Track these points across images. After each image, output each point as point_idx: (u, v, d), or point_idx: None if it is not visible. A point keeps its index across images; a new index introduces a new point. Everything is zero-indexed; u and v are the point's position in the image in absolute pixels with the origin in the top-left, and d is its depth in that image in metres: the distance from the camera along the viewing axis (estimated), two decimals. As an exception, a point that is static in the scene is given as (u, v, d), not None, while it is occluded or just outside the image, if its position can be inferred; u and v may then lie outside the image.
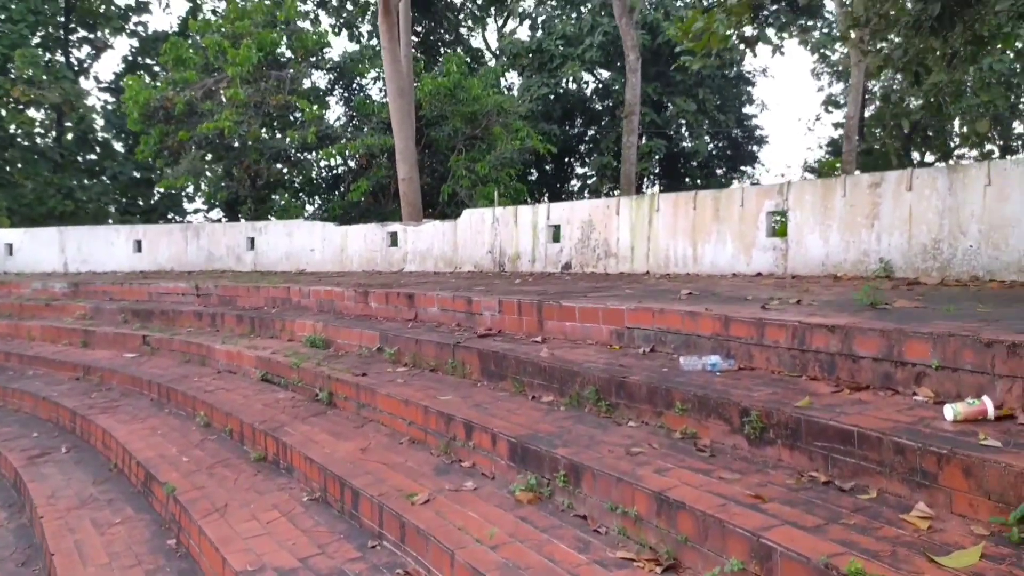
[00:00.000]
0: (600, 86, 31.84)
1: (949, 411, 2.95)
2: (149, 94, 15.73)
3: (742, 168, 36.98)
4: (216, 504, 4.34)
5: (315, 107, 15.04)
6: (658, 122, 29.65)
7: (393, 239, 13.87)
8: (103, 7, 29.31)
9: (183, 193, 18.48)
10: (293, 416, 5.57)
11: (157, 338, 9.02)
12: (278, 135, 15.49)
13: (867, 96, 25.09)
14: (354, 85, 17.86)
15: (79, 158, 30.42)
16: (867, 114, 30.81)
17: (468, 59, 28.89)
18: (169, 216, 30.71)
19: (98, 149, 30.97)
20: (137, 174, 28.92)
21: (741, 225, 9.02)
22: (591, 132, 32.73)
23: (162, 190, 18.64)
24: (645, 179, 34.72)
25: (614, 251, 10.61)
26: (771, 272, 8.71)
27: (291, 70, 15.68)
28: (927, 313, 4.18)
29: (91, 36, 30.00)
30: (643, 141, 29.19)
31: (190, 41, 17.45)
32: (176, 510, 4.49)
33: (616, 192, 34.61)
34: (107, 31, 29.17)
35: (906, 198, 7.41)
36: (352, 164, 15.64)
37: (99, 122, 30.09)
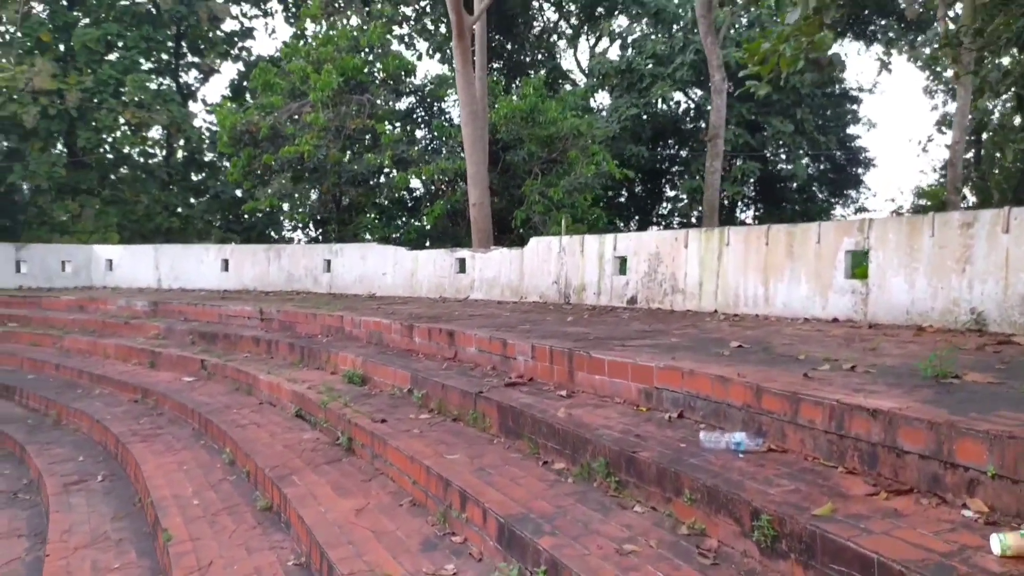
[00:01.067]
0: (692, 106, 30.95)
1: (996, 542, 2.37)
2: (236, 119, 16.30)
3: (846, 192, 35.14)
4: (202, 561, 4.15)
5: (393, 130, 15.12)
6: (752, 144, 28.49)
7: (461, 265, 13.71)
8: (211, 34, 30.86)
9: (280, 213, 19.01)
10: (308, 462, 5.36)
11: (214, 363, 9.11)
12: (357, 158, 15.68)
13: (984, 119, 23.17)
14: (435, 108, 17.93)
15: (187, 178, 32.10)
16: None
17: (552, 80, 28.74)
18: (268, 233, 31.85)
19: (205, 170, 32.56)
20: (239, 193, 30.26)
21: (817, 264, 8.30)
22: (683, 154, 31.87)
23: (248, 212, 19.24)
24: (739, 203, 33.49)
25: (681, 287, 10.03)
26: (849, 318, 7.95)
27: (370, 94, 15.87)
28: (1000, 395, 3.53)
29: (198, 61, 31.61)
30: (736, 163, 28.14)
31: (278, 67, 17.97)
32: (166, 563, 4.33)
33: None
34: (212, 56, 30.64)
35: (1002, 241, 6.57)
36: (433, 188, 15.62)
37: (206, 143, 31.63)
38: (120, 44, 28.21)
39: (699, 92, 29.72)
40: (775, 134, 28.33)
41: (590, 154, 15.32)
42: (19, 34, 26.98)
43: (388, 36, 17.26)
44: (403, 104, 16.79)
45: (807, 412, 3.56)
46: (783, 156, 30.93)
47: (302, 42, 18.88)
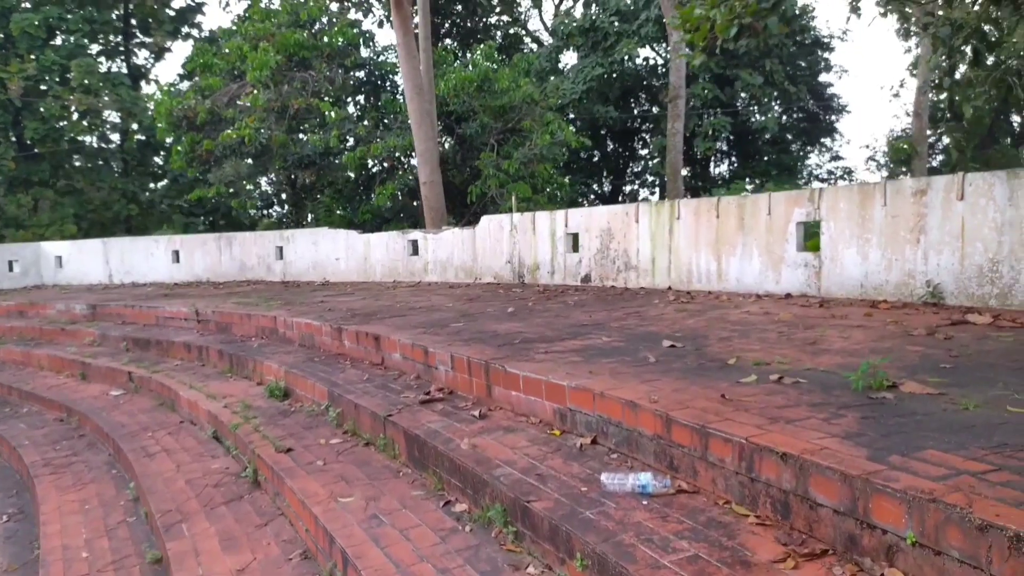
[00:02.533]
0: (660, 63, 30.17)
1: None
2: (172, 103, 15.50)
3: (821, 141, 34.61)
4: (63, 641, 3.71)
5: (343, 108, 14.41)
6: (722, 98, 27.82)
7: (414, 247, 13.19)
8: (158, 11, 29.62)
9: (231, 199, 18.22)
10: (206, 502, 4.90)
11: (140, 376, 8.60)
12: (301, 140, 14.97)
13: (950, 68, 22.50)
14: (386, 82, 17.15)
15: (144, 163, 31.07)
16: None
17: (509, 44, 27.76)
18: (232, 214, 31.05)
19: (161, 152, 31.56)
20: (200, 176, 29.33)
21: (768, 237, 7.85)
22: (655, 111, 31.16)
23: (196, 200, 18.53)
24: (712, 159, 32.91)
25: (634, 263, 9.57)
26: (803, 293, 7.53)
27: (313, 71, 15.10)
28: (934, 416, 3.10)
29: (148, 41, 30.42)
30: (707, 119, 27.49)
31: (216, 47, 17.09)
32: (30, 640, 3.89)
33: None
34: (161, 35, 29.47)
35: (957, 209, 6.13)
36: (385, 166, 14.97)
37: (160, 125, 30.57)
38: (63, 28, 27.02)
39: (667, 47, 28.93)
40: (745, 86, 27.68)
41: (545, 123, 14.68)
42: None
43: (332, 6, 16.42)
44: (353, 80, 16.00)
45: (717, 449, 3.12)
46: (754, 109, 30.29)
47: (245, 18, 17.97)
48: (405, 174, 14.62)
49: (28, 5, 27.05)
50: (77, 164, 29.15)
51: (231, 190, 16.37)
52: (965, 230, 6.07)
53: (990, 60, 7.15)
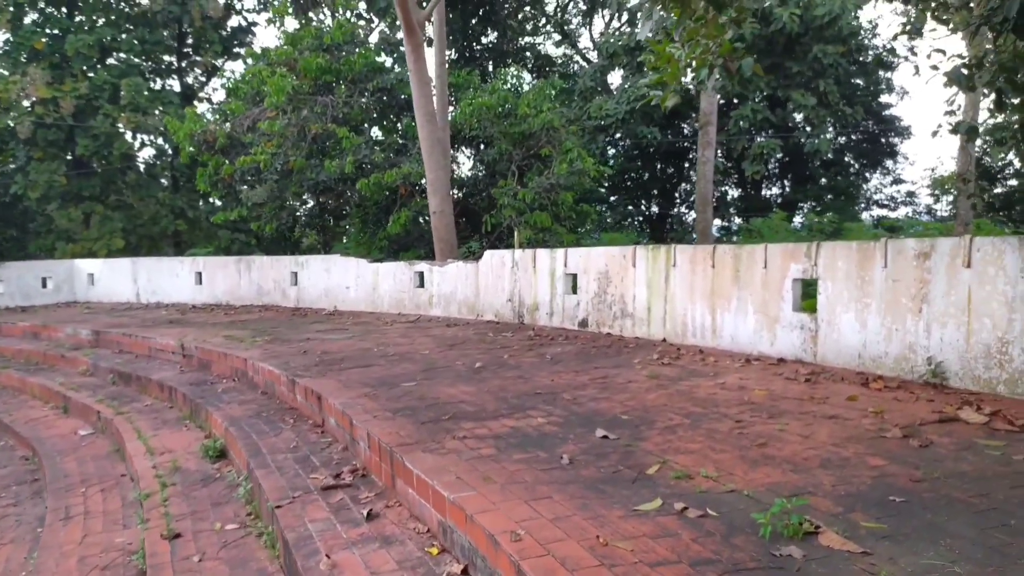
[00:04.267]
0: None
1: None
2: (191, 127, 15.54)
3: (882, 163, 32.99)
4: None
5: (362, 133, 14.14)
6: (772, 120, 26.70)
7: (420, 279, 12.77)
8: (208, 32, 30.23)
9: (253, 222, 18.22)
10: (83, 590, 4.50)
11: (107, 416, 8.34)
12: (317, 165, 14.76)
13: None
14: (408, 109, 16.84)
15: (192, 179, 31.68)
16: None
17: (539, 67, 27.18)
18: (273, 235, 31.33)
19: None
20: (214, 201, 29.67)
21: (764, 293, 7.11)
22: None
23: (219, 224, 18.58)
24: (763, 183, 31.71)
25: (630, 310, 8.92)
26: (798, 357, 6.78)
27: (333, 96, 14.89)
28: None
29: (199, 60, 31.06)
30: (756, 140, 26.42)
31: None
32: None
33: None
34: (210, 55, 30.06)
35: (963, 277, 5.32)
36: (400, 193, 14.63)
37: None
38: (117, 48, 27.79)
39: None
40: (797, 107, 26.51)
41: (564, 150, 14.10)
42: (11, 41, 26.74)
43: (358, 31, 16.24)
44: (374, 104, 15.75)
45: (556, 623, 2.51)
46: (808, 130, 29.00)
47: (275, 42, 17.93)
48: (419, 202, 14.24)
49: (79, 21, 27.92)
50: (127, 180, 29.86)
51: (253, 213, 16.28)
52: (972, 302, 5.25)
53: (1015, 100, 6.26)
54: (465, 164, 17.12)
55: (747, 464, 3.86)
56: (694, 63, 5.33)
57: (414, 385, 6.37)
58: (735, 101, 27.17)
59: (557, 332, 9.70)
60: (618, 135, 27.70)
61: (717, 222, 34.07)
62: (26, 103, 25.81)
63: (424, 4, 13.21)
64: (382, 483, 4.60)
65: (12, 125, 25.08)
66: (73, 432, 8.59)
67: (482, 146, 15.07)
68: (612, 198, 34.64)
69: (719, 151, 27.94)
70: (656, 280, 8.54)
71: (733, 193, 33.95)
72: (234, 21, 31.37)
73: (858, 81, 29.79)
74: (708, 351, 7.59)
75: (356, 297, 14.02)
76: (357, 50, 15.88)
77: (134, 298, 18.20)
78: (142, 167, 30.61)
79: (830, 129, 29.43)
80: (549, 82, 16.58)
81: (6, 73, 26.36)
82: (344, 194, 15.50)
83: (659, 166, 33.07)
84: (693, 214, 35.13)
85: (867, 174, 33.22)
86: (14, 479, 7.62)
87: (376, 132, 17.74)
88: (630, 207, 35.11)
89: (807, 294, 6.95)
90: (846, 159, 32.12)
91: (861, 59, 29.12)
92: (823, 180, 30.61)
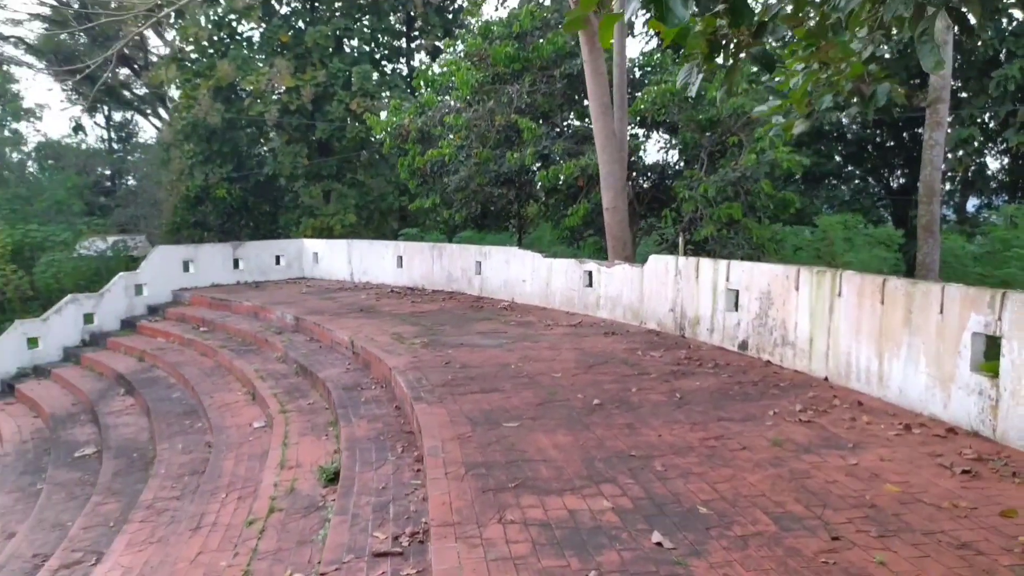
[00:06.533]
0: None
1: None
2: (389, 122, 16.29)
3: None
4: None
5: (531, 126, 13.97)
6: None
7: (589, 279, 12.42)
8: (434, 16, 31.59)
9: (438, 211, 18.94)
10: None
11: (274, 413, 9.09)
12: (500, 157, 14.82)
13: None
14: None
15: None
16: None
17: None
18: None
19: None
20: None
21: (939, 343, 5.95)
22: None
23: (413, 212, 19.41)
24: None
25: (791, 339, 7.97)
26: (974, 430, 5.61)
27: (516, 85, 14.80)
28: None
29: (424, 43, 32.62)
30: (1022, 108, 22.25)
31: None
32: None
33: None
34: (432, 37, 31.39)
35: None
36: (578, 185, 14.30)
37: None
38: (349, 37, 30.03)
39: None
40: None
41: (755, 139, 12.81)
42: (263, 36, 29.94)
43: (548, 16, 15.93)
44: (559, 92, 15.46)
45: None
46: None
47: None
48: (597, 195, 13.81)
49: (317, 15, 30.50)
50: (360, 160, 32.38)
51: (446, 201, 16.86)
52: None
53: None
54: (651, 150, 16.31)
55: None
56: (810, 87, 4.42)
57: (515, 427, 6.13)
58: (1001, 57, 23.05)
59: (713, 354, 8.89)
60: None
61: (973, 201, 29.51)
62: (274, 95, 28.90)
63: (602, -12, 12.57)
64: (428, 558, 4.46)
65: (263, 113, 28.24)
66: (249, 424, 9.47)
67: (666, 134, 14.18)
68: (847, 169, 31.33)
69: (976, 118, 23.99)
70: (820, 309, 7.46)
71: (995, 165, 29.08)
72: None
73: None
74: (869, 404, 6.49)
75: (531, 291, 14.00)
76: (547, 36, 15.60)
77: (348, 277, 19.77)
78: (374, 147, 33.01)
79: None
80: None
81: (261, 66, 29.66)
82: (526, 185, 15.47)
83: (904, 134, 29.21)
84: (947, 186, 30.76)
85: None
86: (190, 468, 8.59)
87: (572, 119, 17.40)
88: (870, 179, 31.60)
89: (987, 353, 5.63)
90: None
91: None
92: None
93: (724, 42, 3.78)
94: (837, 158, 29.80)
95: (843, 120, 26.38)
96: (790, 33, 4.18)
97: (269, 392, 10.02)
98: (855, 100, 4.37)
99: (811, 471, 4.94)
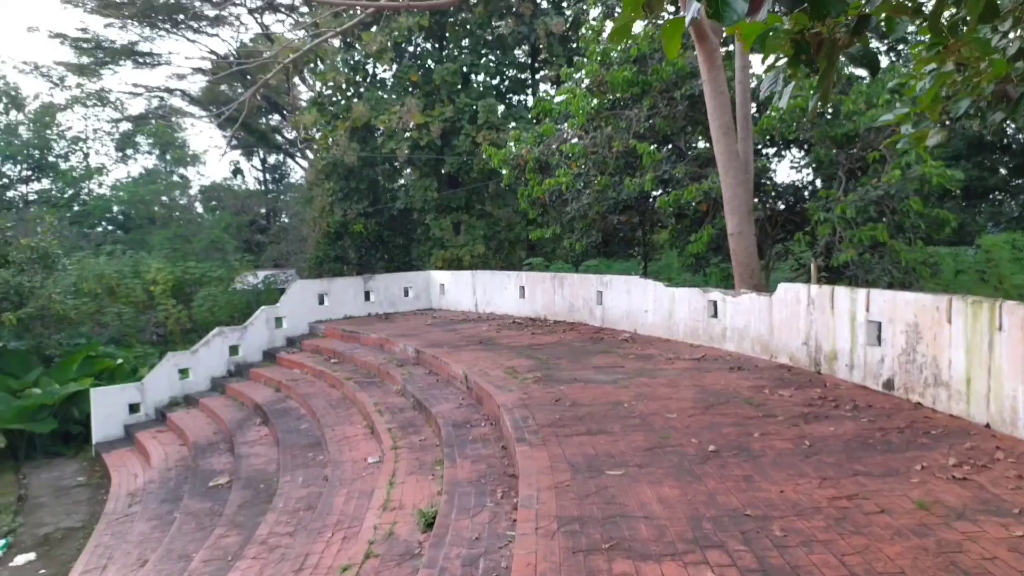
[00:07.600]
0: None
1: None
2: (505, 153, 16.26)
3: None
4: None
5: (650, 150, 13.44)
6: None
7: (714, 309, 11.70)
8: (557, 47, 31.74)
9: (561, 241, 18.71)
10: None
11: (387, 449, 9.05)
12: (618, 184, 14.37)
13: None
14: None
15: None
16: None
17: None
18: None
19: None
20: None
21: None
22: None
23: (535, 241, 19.21)
24: None
25: (944, 378, 7.04)
26: None
27: (635, 110, 14.34)
28: None
29: (547, 74, 32.82)
30: None
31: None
32: None
33: None
34: (555, 67, 31.47)
35: None
36: (700, 210, 13.62)
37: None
38: (475, 72, 30.70)
39: None
40: None
41: (899, 153, 11.65)
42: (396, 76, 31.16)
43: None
44: (680, 115, 14.84)
45: None
46: None
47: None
48: (722, 220, 13.07)
49: (445, 53, 31.38)
50: (488, 191, 32.86)
51: (567, 230, 16.62)
52: None
53: None
54: (783, 169, 15.32)
55: None
56: (945, 90, 3.76)
57: (618, 476, 5.68)
58: None
59: (852, 393, 8.00)
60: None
61: None
62: (406, 133, 29.96)
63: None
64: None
65: (394, 150, 29.30)
66: (364, 458, 9.50)
67: (797, 151, 13.22)
68: (1014, 183, 28.39)
69: None
70: (977, 345, 6.50)
71: None
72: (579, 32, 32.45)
73: None
74: (1041, 457, 5.52)
75: (653, 322, 13.40)
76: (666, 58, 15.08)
77: (472, 308, 19.89)
78: (499, 179, 33.43)
79: None
80: (894, 67, 13.90)
81: (393, 105, 30.88)
82: (649, 212, 14.92)
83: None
84: None
85: None
86: (306, 502, 8.68)
87: (696, 141, 16.71)
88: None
89: None
90: None
91: None
92: None
93: (816, 42, 3.25)
94: (1002, 170, 27.04)
95: (1007, 129, 23.91)
96: (914, 28, 3.58)
97: (385, 427, 10.04)
98: (1000, 105, 3.68)
99: (965, 543, 4.17)
